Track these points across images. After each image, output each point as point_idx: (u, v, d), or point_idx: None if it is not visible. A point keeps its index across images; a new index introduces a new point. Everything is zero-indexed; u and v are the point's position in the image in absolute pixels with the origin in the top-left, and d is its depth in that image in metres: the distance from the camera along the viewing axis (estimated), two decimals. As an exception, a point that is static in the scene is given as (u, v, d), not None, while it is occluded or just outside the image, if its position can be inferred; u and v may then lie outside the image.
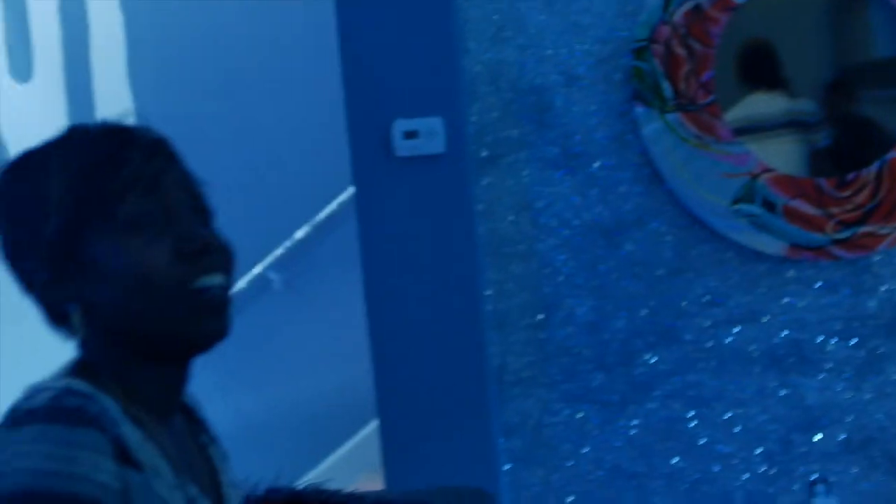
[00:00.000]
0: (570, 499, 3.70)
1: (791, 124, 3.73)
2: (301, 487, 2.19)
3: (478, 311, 3.59)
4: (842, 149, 3.74)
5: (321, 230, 4.62)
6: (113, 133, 1.53)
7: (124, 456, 1.41)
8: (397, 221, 3.56)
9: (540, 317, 3.68)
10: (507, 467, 3.68)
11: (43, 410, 1.40)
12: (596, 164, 3.66)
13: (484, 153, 3.64)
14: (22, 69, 4.69)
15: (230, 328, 1.54)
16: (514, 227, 3.66)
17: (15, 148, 4.75)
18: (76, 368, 1.52)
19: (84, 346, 1.54)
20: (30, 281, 1.54)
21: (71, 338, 1.55)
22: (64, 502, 1.35)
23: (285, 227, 4.80)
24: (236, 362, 4.30)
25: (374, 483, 3.98)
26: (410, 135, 3.52)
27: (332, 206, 4.67)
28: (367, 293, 3.57)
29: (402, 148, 3.53)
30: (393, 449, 3.60)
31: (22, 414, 1.41)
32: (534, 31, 3.65)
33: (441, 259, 3.58)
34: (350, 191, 4.73)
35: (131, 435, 1.44)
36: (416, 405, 3.60)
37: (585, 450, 3.71)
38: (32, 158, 1.54)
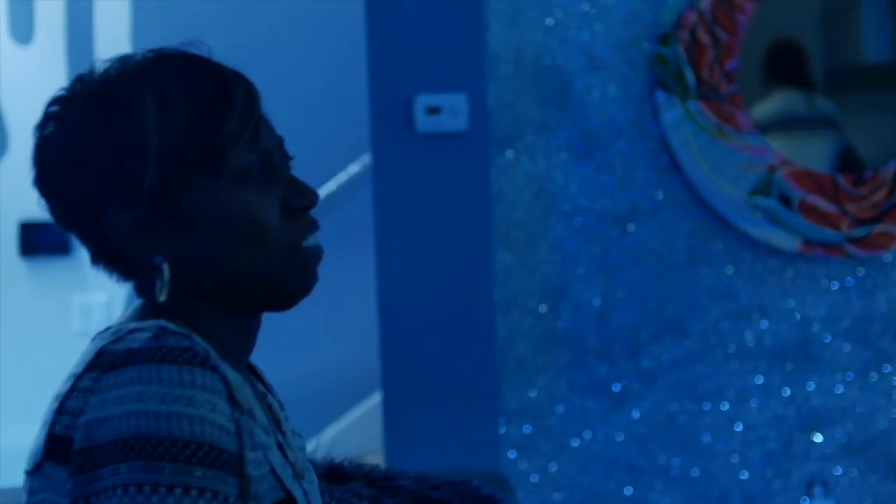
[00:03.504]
0: (568, 491, 3.66)
1: (821, 122, 3.72)
2: (339, 461, 2.13)
3: (489, 294, 3.55)
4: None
5: (331, 202, 4.56)
6: (202, 71, 1.43)
7: (230, 397, 1.32)
8: (414, 198, 3.51)
9: (548, 304, 3.63)
10: (510, 455, 3.63)
11: (146, 351, 1.29)
12: (613, 150, 3.62)
13: (500, 133, 3.59)
14: (22, 30, 4.61)
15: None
16: (526, 211, 3.61)
17: (12, 109, 4.67)
18: (150, 312, 1.42)
19: (157, 296, 1.42)
20: (110, 226, 1.41)
21: (144, 292, 1.45)
22: (186, 446, 1.25)
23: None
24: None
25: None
26: (433, 111, 3.47)
27: (341, 179, 4.62)
28: (378, 269, 3.52)
29: (424, 124, 3.47)
30: (395, 428, 3.55)
31: (121, 355, 1.30)
32: (558, 11, 3.59)
33: (455, 239, 3.53)
34: (358, 164, 4.67)
35: (231, 375, 1.36)
36: (421, 385, 3.55)
37: (586, 441, 3.66)
38: (118, 95, 1.42)
